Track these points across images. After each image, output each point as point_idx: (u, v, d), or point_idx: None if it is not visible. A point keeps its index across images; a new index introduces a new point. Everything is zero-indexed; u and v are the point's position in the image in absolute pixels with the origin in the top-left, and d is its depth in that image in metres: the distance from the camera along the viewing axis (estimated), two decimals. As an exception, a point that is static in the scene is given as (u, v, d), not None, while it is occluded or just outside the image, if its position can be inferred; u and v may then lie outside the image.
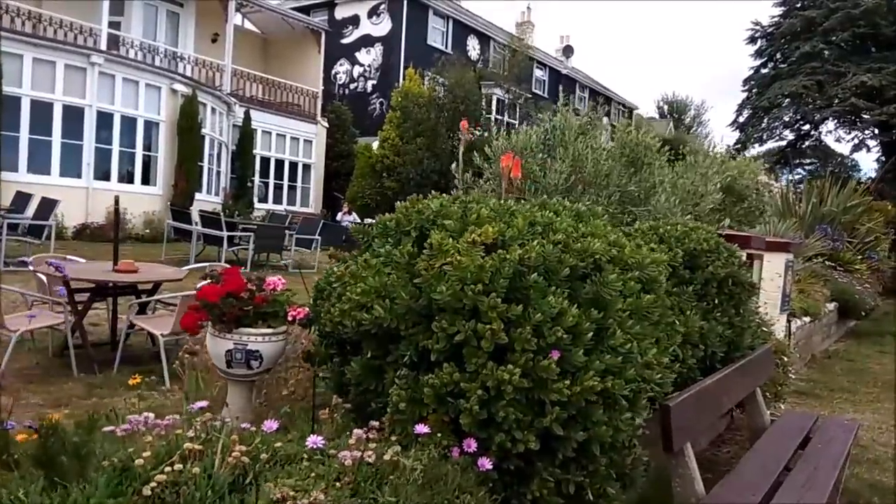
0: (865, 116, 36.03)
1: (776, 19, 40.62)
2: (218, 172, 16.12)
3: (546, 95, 33.67)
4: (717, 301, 4.10)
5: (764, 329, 5.56)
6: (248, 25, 21.50)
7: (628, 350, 2.61)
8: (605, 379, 2.44)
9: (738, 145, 41.15)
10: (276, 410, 2.91)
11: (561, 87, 34.65)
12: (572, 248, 2.67)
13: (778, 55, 40.97)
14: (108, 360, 5.09)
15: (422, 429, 2.15)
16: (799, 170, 41.60)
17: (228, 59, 17.80)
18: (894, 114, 33.32)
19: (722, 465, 4.39)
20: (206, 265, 5.78)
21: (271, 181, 19.25)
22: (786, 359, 5.19)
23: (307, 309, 2.79)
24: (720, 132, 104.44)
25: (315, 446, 1.96)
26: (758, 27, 41.43)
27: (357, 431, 2.12)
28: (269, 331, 2.77)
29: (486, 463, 2.16)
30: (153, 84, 13.99)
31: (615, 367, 2.53)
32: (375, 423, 2.22)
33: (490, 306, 2.31)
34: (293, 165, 19.56)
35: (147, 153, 14.02)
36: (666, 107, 59.38)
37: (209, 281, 2.85)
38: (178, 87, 14.32)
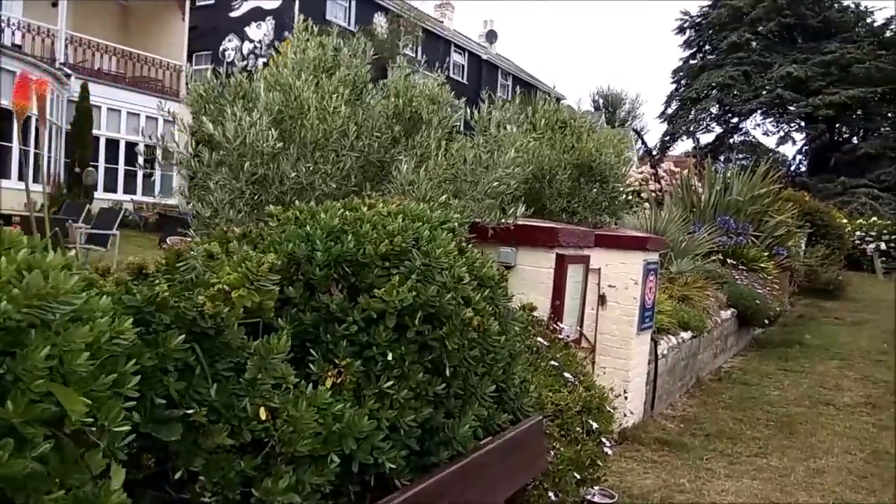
0: (791, 108, 35.42)
1: (705, 9, 39.89)
2: (39, 155, 13.47)
3: (465, 81, 31.70)
4: (390, 359, 2.08)
5: (572, 380, 3.63)
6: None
7: None
8: None
9: (667, 137, 40.21)
10: None
11: (482, 74, 32.86)
12: None
13: (706, 46, 40.24)
14: None
15: None
16: (731, 165, 41.08)
17: (62, 23, 15.09)
18: (819, 105, 32.76)
19: None
20: None
21: (121, 167, 16.58)
22: (595, 425, 3.27)
23: None
24: (653, 125, 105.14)
25: None
26: (686, 17, 40.61)
27: None
28: None
29: None
30: (-71, 44, 11.37)
31: None
32: None
33: None
34: (150, 149, 16.99)
35: (-77, 130, 11.40)
36: (601, 100, 58.58)
37: None
38: (-32, 49, 11.73)
